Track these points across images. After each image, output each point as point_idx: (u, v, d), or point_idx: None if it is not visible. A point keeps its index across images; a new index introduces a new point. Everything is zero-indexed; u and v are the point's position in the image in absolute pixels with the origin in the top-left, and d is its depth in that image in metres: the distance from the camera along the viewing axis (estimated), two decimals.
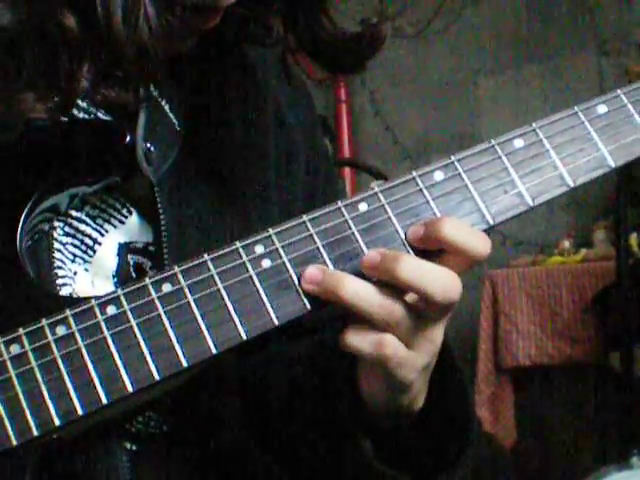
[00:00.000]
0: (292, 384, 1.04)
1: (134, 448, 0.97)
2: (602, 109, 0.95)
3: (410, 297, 0.87)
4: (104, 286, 0.98)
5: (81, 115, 1.00)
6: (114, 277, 0.99)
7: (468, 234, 0.87)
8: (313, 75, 1.18)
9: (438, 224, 0.87)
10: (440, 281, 0.85)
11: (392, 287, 0.86)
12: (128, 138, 0.94)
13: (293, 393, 1.04)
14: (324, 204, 1.15)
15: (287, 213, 1.10)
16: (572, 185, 0.92)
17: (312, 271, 0.86)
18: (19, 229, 0.89)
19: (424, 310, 0.87)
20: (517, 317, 3.93)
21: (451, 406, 0.99)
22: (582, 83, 4.52)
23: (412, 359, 0.88)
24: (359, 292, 0.85)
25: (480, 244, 0.87)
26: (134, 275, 0.99)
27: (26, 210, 0.90)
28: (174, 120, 1.06)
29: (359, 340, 0.86)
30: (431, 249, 0.88)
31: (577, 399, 4.08)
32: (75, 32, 0.91)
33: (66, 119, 0.96)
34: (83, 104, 1.00)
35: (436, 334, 0.89)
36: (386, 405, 0.93)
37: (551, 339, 3.87)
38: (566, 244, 4.24)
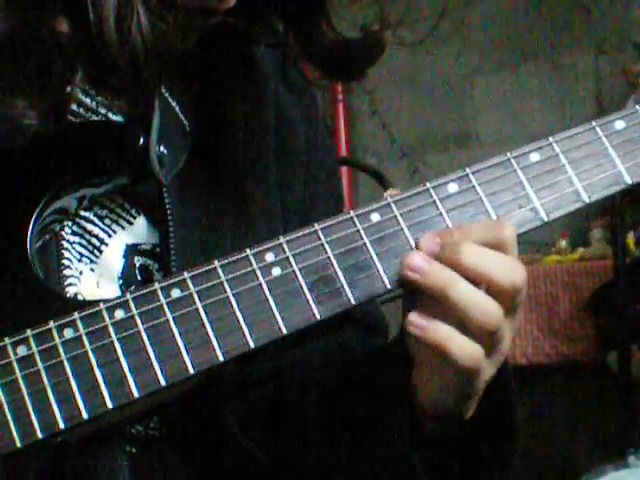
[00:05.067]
0: (331, 387, 1.04)
1: (134, 450, 0.97)
2: (620, 125, 0.93)
3: None
4: (109, 287, 0.98)
5: (89, 115, 1.00)
6: (119, 278, 0.99)
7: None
8: (311, 75, 1.18)
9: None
10: (500, 265, 0.85)
11: None
12: (142, 140, 0.94)
13: (331, 397, 1.04)
14: (323, 205, 1.15)
15: (287, 215, 1.11)
16: (587, 201, 0.91)
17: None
18: (29, 230, 0.90)
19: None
20: None
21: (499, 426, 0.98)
22: (579, 82, 4.51)
23: (488, 369, 0.87)
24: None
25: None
26: (139, 277, 0.99)
27: (37, 211, 0.90)
28: (184, 122, 1.06)
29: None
30: None
31: (574, 398, 4.08)
32: (68, 38, 0.91)
33: (79, 121, 0.96)
34: (92, 105, 1.00)
35: (507, 343, 0.88)
36: (436, 410, 0.92)
37: (548, 338, 3.86)
38: (563, 243, 4.23)
